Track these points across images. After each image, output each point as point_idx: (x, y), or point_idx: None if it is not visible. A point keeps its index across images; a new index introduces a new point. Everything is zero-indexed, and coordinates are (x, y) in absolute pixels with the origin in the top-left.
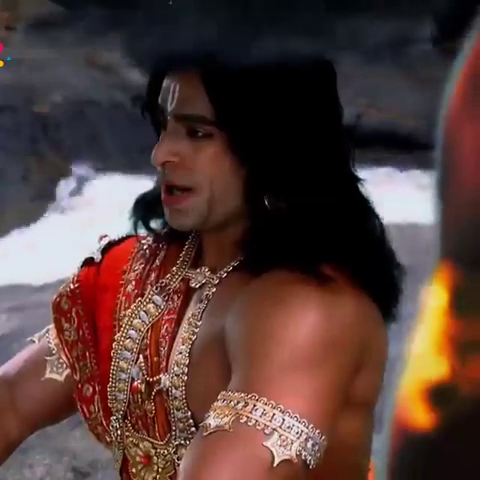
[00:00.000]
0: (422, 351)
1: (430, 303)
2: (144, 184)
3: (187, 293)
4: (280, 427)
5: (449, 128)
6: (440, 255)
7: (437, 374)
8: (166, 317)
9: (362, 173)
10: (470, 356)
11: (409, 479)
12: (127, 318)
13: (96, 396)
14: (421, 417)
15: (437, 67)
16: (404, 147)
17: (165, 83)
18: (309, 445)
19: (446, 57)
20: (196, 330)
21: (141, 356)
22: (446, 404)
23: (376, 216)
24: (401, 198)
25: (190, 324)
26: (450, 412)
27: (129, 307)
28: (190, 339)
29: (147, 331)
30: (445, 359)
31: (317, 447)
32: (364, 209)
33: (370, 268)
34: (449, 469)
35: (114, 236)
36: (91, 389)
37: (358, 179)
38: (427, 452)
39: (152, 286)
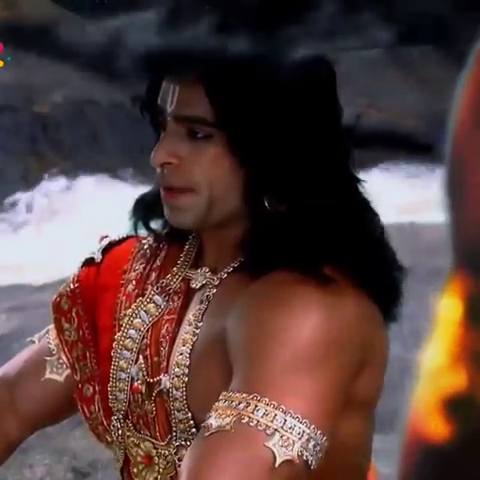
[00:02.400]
0: (438, 362)
1: (444, 314)
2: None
3: (187, 293)
4: (282, 427)
5: (458, 139)
6: (453, 265)
7: (453, 385)
8: (166, 317)
9: (362, 173)
10: None
11: None
12: (127, 318)
13: (96, 396)
14: (437, 428)
15: (437, 67)
16: (404, 147)
17: (165, 84)
18: (310, 445)
19: (446, 57)
20: (197, 331)
21: (141, 356)
22: (463, 415)
23: (376, 216)
24: (401, 197)
25: (191, 325)
26: (467, 423)
27: (129, 307)
28: (191, 340)
29: (147, 331)
30: (461, 370)
31: (318, 447)
32: (364, 209)
33: (370, 269)
34: (466, 479)
35: (114, 236)
36: (91, 389)
37: (358, 179)
38: (443, 463)
39: (153, 286)
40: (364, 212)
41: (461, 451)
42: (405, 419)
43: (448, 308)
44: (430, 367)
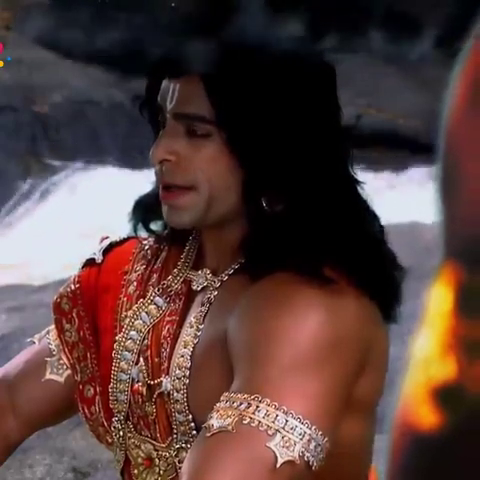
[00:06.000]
0: (428, 352)
1: (435, 303)
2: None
3: (189, 295)
4: (283, 428)
5: (451, 128)
6: (444, 255)
7: (443, 375)
8: (167, 318)
9: (362, 173)
10: (477, 356)
11: None
12: (128, 319)
13: (97, 397)
14: (427, 418)
15: (437, 67)
16: (404, 147)
17: (165, 81)
18: (312, 446)
19: (447, 58)
20: (198, 333)
21: (141, 357)
22: (453, 405)
23: (375, 217)
24: (401, 198)
25: (192, 327)
26: (457, 413)
27: (130, 308)
28: (192, 342)
29: (148, 332)
30: (451, 359)
31: (320, 448)
32: (363, 210)
33: (370, 269)
34: (455, 471)
35: (115, 237)
36: (92, 390)
37: (357, 181)
38: (433, 453)
39: (154, 287)
40: (363, 212)
41: (450, 442)
42: (395, 410)
43: (439, 298)
44: (420, 357)
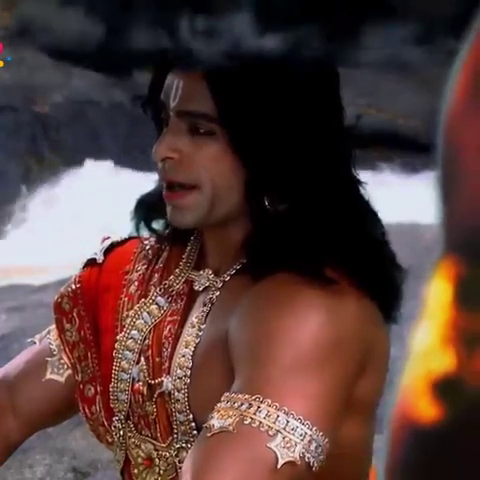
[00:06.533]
0: (427, 345)
1: (434, 296)
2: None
3: (190, 295)
4: (284, 429)
5: (451, 122)
6: (443, 248)
7: (443, 367)
8: (169, 318)
9: (362, 173)
10: (476, 348)
11: (413, 474)
12: (130, 319)
13: (98, 396)
14: (426, 411)
15: (437, 67)
16: (404, 147)
17: (168, 79)
18: (312, 447)
19: (446, 57)
20: (200, 333)
21: (142, 357)
22: (452, 397)
23: (377, 218)
24: (401, 198)
25: (194, 327)
26: (456, 405)
27: (132, 308)
28: (194, 342)
29: (149, 332)
30: (451, 352)
31: (320, 449)
32: (364, 211)
33: (371, 270)
34: (454, 463)
35: (116, 237)
36: (93, 389)
37: (359, 181)
38: (432, 446)
39: (155, 287)
40: (364, 213)
41: (449, 434)
42: (393, 404)
43: (438, 291)
44: (420, 350)
